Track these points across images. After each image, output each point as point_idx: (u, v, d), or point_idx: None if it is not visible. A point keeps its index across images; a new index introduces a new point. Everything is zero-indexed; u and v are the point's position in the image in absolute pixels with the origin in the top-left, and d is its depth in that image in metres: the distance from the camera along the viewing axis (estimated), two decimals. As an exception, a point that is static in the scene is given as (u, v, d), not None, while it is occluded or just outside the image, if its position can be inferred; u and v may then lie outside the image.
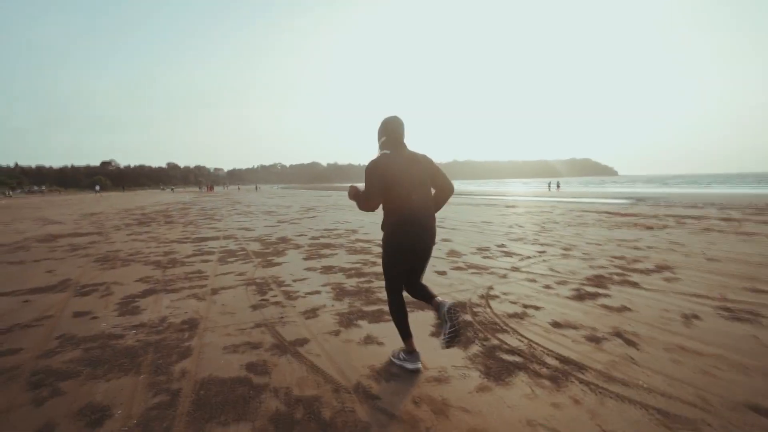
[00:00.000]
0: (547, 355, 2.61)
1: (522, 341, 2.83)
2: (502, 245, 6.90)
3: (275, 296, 3.96)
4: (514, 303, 3.72)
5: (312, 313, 3.46)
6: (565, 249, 6.40)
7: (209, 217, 13.69)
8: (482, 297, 3.91)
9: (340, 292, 4.08)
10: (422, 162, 2.39)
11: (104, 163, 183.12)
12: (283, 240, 7.82)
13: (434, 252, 6.50)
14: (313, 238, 8.05)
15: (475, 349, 2.72)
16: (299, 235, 8.46)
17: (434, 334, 2.98)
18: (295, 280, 4.60)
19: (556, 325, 3.14)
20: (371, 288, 4.23)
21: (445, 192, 2.51)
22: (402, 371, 2.42)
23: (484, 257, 5.90)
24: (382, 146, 2.42)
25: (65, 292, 4.24)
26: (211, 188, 69.24)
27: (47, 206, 25.25)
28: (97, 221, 13.25)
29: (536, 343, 2.79)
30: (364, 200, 2.35)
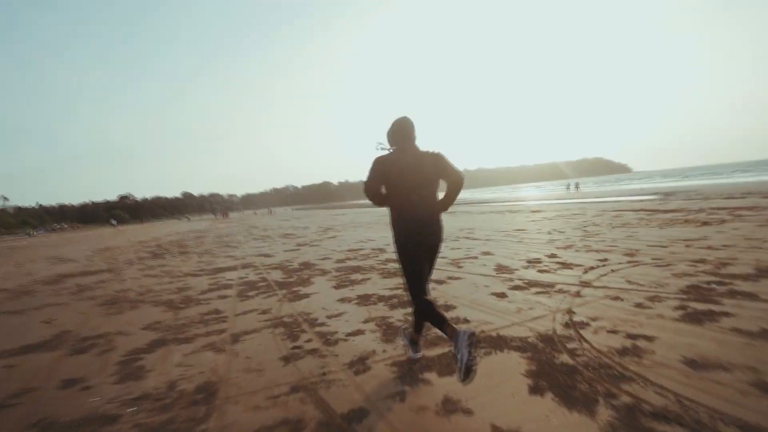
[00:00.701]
0: (721, 420, 1.79)
1: (665, 396, 2.02)
2: (554, 255, 6.07)
3: (309, 341, 3.21)
4: (614, 332, 2.90)
5: (361, 364, 2.69)
6: (629, 255, 5.54)
7: (225, 245, 13.12)
8: (567, 325, 3.10)
9: (387, 330, 3.32)
10: (430, 161, 2.38)
11: (122, 197, 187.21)
12: (307, 265, 7.11)
13: (482, 269, 5.74)
14: (339, 261, 7.33)
15: (606, 413, 1.91)
16: (323, 259, 7.75)
17: (534, 391, 2.19)
18: (329, 317, 3.85)
19: (692, 364, 2.32)
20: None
21: (455, 185, 2.47)
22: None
23: (540, 271, 5.08)
24: (390, 145, 2.47)
25: (59, 349, 3.56)
26: (226, 215, 68.94)
27: (65, 244, 25.21)
28: (111, 256, 12.81)
29: (687, 399, 1.97)
30: (366, 191, 2.40)
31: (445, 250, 7.43)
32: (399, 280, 5.16)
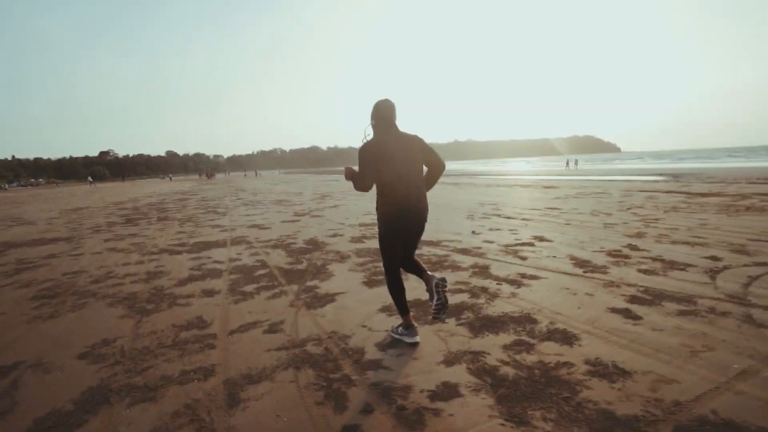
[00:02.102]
0: None
1: None
2: (633, 246, 4.78)
3: (368, 411, 1.80)
4: None
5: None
6: (743, 252, 4.24)
7: (211, 210, 11.49)
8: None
9: (499, 386, 1.92)
10: (413, 143, 2.43)
11: (102, 153, 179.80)
12: (315, 245, 5.64)
13: (555, 263, 4.37)
14: (355, 240, 5.87)
15: None
16: (333, 236, 6.28)
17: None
18: (381, 346, 2.45)
19: None
20: (557, 365, 2.07)
21: (438, 170, 2.56)
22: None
23: (644, 272, 3.76)
24: (374, 129, 2.45)
25: None
26: (212, 175, 65.68)
27: (32, 201, 23.07)
28: (76, 219, 11.08)
29: None
30: (359, 181, 2.36)
31: (486, 232, 6.04)
32: (461, 274, 3.76)
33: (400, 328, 2.52)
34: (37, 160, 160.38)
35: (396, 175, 2.32)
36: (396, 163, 2.32)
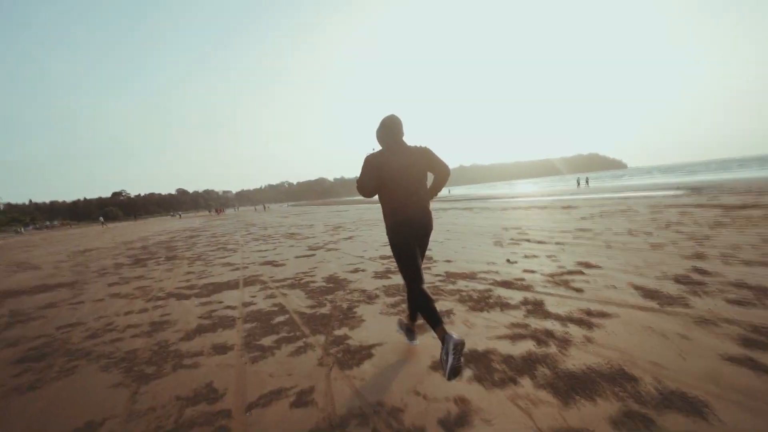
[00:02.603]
0: None
1: None
2: (701, 269, 4.14)
3: None
4: None
5: None
6: None
7: (221, 247, 11.05)
8: None
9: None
10: (418, 156, 2.50)
11: (115, 194, 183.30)
12: (336, 283, 5.09)
13: (621, 294, 3.77)
14: (380, 275, 5.32)
15: None
16: (354, 271, 5.74)
17: None
18: (452, 424, 1.86)
19: None
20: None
21: (443, 175, 2.64)
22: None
23: (733, 301, 3.13)
24: (380, 143, 2.56)
25: None
26: (221, 211, 65.90)
27: (43, 244, 22.93)
28: (84, 262, 10.69)
29: None
30: (359, 187, 2.46)
31: (521, 260, 5.45)
32: (519, 318, 3.17)
33: (406, 326, 2.81)
34: (53, 203, 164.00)
35: (400, 188, 2.43)
36: (400, 176, 2.42)
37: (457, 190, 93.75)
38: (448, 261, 5.96)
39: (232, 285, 5.51)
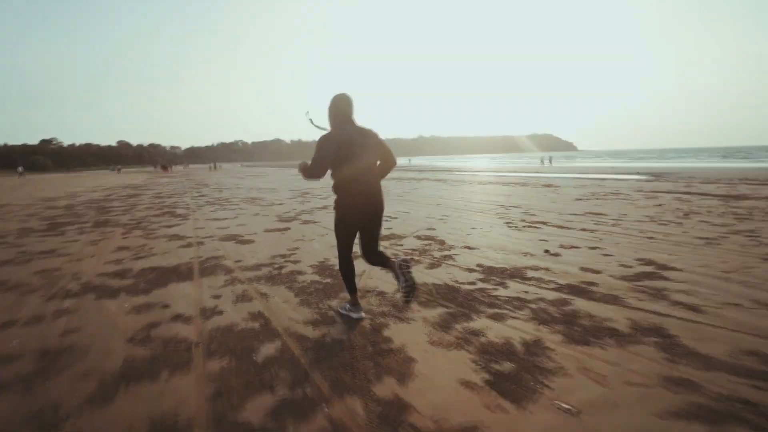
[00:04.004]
0: None
1: None
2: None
3: None
4: None
5: None
6: None
7: (168, 212, 9.12)
8: None
9: None
10: (369, 137, 2.55)
11: (44, 142, 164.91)
12: (333, 275, 3.66)
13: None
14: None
15: None
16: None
17: None
18: None
19: None
20: None
21: (390, 165, 2.68)
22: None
23: None
24: (331, 122, 2.55)
25: None
26: (168, 168, 59.15)
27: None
28: (-16, 223, 8.38)
29: None
30: (313, 169, 2.49)
31: (561, 251, 4.27)
32: (659, 364, 1.95)
33: (348, 305, 2.77)
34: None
35: (354, 167, 2.46)
36: (355, 155, 2.45)
37: (420, 161, 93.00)
38: (469, 247, 4.72)
39: (183, 273, 3.92)
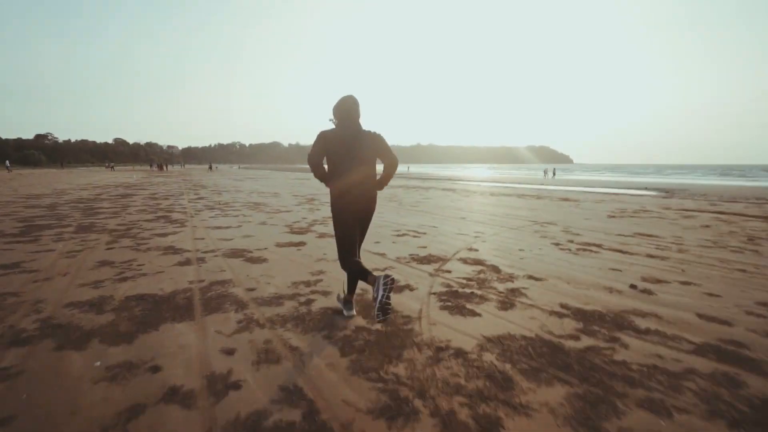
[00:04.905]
0: None
1: None
2: None
3: None
4: None
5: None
6: None
7: (163, 216, 8.15)
8: None
9: None
10: (369, 140, 2.53)
11: (39, 137, 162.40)
12: (386, 322, 2.75)
13: None
14: (451, 301, 3.06)
15: None
16: (391, 288, 3.41)
17: None
18: None
19: None
20: None
21: (392, 168, 2.63)
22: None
23: None
24: (334, 121, 2.57)
25: None
26: (162, 167, 57.41)
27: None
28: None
29: None
30: (308, 158, 2.56)
31: (645, 284, 3.38)
32: None
33: (344, 298, 2.82)
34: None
35: (345, 165, 2.48)
36: (346, 155, 2.47)
37: (416, 169, 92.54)
38: (533, 278, 3.83)
39: (179, 307, 2.97)
